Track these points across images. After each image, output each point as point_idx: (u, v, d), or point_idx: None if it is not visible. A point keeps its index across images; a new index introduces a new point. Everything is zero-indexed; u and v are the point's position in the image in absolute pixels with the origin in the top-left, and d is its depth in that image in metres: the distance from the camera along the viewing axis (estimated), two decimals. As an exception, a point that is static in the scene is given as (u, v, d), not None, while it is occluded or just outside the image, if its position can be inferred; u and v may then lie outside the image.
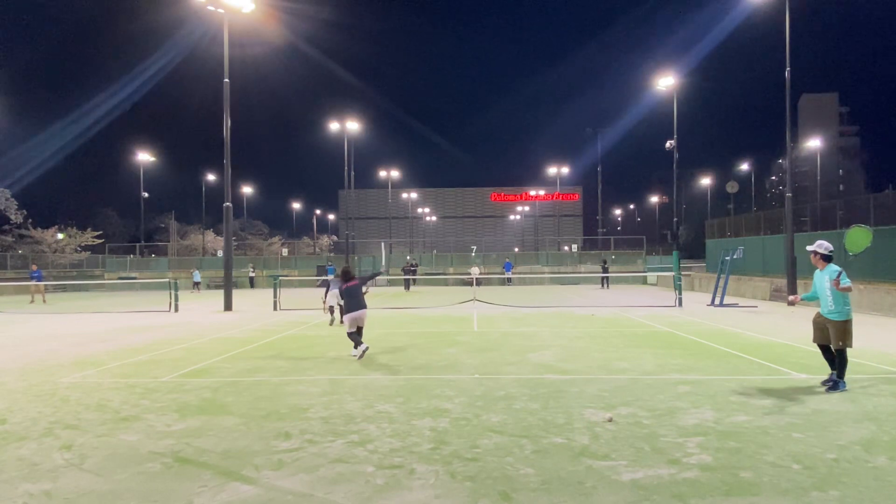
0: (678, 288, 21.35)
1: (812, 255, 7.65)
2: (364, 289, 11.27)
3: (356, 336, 10.41)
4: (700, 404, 6.74)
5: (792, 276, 21.20)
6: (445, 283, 43.96)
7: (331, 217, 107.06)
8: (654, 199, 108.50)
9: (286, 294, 21.39)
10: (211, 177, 64.51)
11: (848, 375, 7.52)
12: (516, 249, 76.26)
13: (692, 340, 12.14)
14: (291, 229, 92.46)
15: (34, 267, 32.39)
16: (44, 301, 28.18)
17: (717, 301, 21.16)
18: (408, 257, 49.08)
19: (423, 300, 25.13)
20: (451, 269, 47.74)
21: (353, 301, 10.54)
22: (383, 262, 15.27)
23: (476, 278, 32.02)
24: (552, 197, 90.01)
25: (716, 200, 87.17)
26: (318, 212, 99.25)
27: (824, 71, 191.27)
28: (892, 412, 6.36)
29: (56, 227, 52.08)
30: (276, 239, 76.06)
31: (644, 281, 41.32)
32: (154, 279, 40.40)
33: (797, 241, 22.27)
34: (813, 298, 7.74)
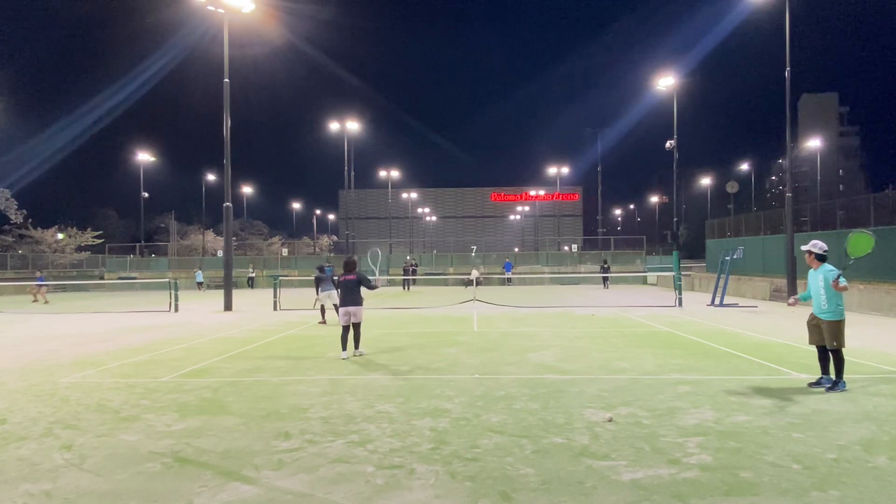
0: (678, 288, 21.35)
1: (807, 255, 7.65)
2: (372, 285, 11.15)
3: (345, 335, 10.39)
4: (700, 404, 6.74)
5: (792, 276, 21.20)
6: (445, 283, 43.94)
7: (331, 217, 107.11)
8: (654, 199, 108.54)
9: (286, 294, 21.39)
10: (211, 177, 64.53)
11: (848, 375, 7.52)
12: (516, 249, 76.28)
13: (692, 340, 12.14)
14: (291, 229, 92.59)
15: (38, 274, 32.86)
16: (45, 301, 28.28)
17: (717, 301, 21.16)
18: (408, 257, 49.08)
19: (423, 300, 25.13)
20: (451, 269, 47.73)
21: (347, 296, 10.41)
22: (376, 273, 15.05)
23: (476, 279, 31.61)
24: (552, 197, 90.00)
25: (716, 200, 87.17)
26: (318, 212, 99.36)
27: (824, 71, 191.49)
28: (892, 412, 6.36)
29: (56, 227, 52.09)
30: (276, 239, 76.13)
31: (644, 281, 41.32)
32: (154, 279, 40.39)
33: (797, 241, 22.25)
34: (809, 298, 7.75)
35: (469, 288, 35.72)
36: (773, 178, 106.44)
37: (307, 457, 5.11)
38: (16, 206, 47.86)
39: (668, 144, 35.83)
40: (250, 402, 7.16)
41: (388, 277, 41.44)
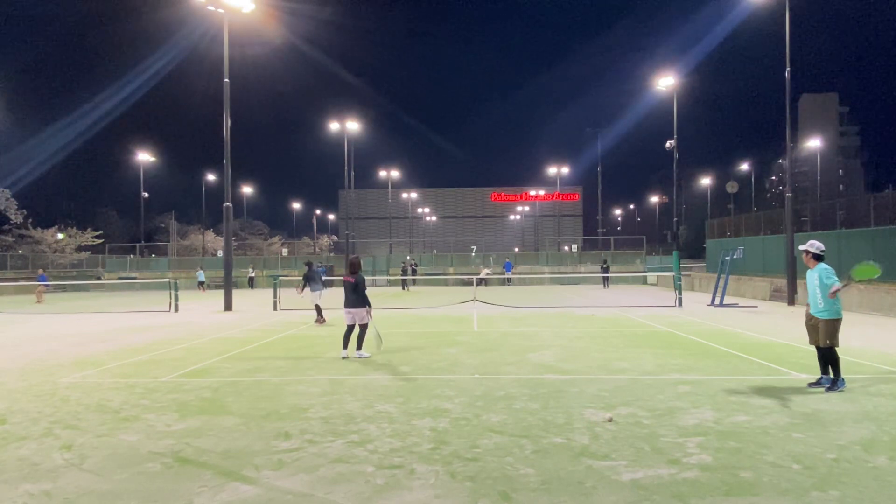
0: (678, 288, 21.35)
1: (804, 255, 7.68)
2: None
3: (348, 334, 10.39)
4: (700, 404, 6.74)
5: (792, 276, 21.20)
6: (445, 283, 43.96)
7: (331, 217, 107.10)
8: (654, 199, 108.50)
9: (286, 294, 21.38)
10: (211, 177, 64.52)
11: (848, 375, 7.52)
12: (516, 249, 76.27)
13: (692, 340, 12.14)
14: (291, 229, 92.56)
15: (40, 272, 33.04)
16: (38, 301, 28.40)
17: (717, 301, 21.16)
18: (407, 257, 49.09)
19: (422, 300, 25.13)
20: (451, 269, 47.74)
21: (347, 297, 10.37)
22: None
23: (485, 279, 32.09)
24: (552, 197, 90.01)
25: (716, 200, 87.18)
26: (318, 212, 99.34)
27: (824, 71, 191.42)
28: (892, 412, 6.36)
29: (56, 227, 52.08)
30: (276, 239, 76.10)
31: (644, 281, 41.33)
32: (154, 279, 40.40)
33: (797, 242, 22.24)
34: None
35: (480, 287, 35.93)
36: (773, 178, 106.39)
37: (307, 457, 5.11)
38: (16, 206, 47.87)
39: (668, 144, 35.82)
40: (250, 402, 7.16)
41: (389, 277, 41.44)
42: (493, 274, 42.56)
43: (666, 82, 35.53)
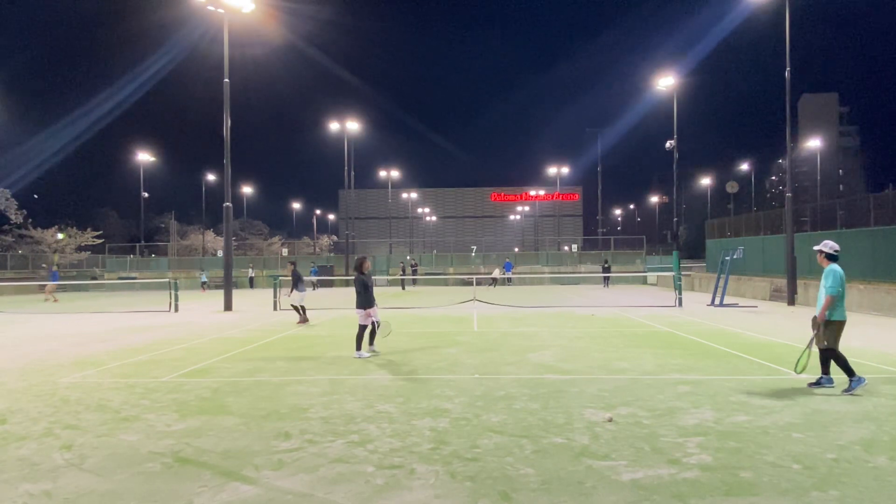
0: (678, 288, 21.35)
1: (818, 254, 7.57)
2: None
3: (361, 336, 10.39)
4: (700, 404, 6.74)
5: (792, 276, 21.20)
6: (445, 283, 43.96)
7: (331, 217, 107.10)
8: (654, 199, 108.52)
9: (286, 294, 21.34)
10: (211, 177, 64.54)
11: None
12: (516, 249, 76.28)
13: (692, 340, 12.14)
14: (291, 229, 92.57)
15: (54, 268, 33.27)
16: (46, 299, 28.52)
17: (717, 301, 21.16)
18: (407, 257, 49.09)
19: (422, 300, 25.12)
20: (451, 269, 47.74)
21: (357, 296, 10.45)
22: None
23: (497, 279, 32.43)
24: (552, 197, 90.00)
25: (716, 200, 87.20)
26: (318, 212, 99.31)
27: (824, 71, 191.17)
28: (892, 412, 6.36)
29: (56, 227, 52.08)
30: (276, 239, 76.03)
31: (644, 281, 41.34)
32: (154, 279, 40.40)
33: (797, 241, 22.25)
34: None
35: (490, 287, 36.05)
36: (773, 178, 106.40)
37: (307, 457, 5.11)
38: (16, 206, 47.86)
39: (668, 144, 35.81)
40: (250, 402, 7.16)
41: (389, 277, 41.43)
42: (489, 274, 42.61)
43: (666, 82, 35.52)
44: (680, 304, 20.56)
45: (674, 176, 37.77)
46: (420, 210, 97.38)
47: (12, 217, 47.85)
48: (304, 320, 16.02)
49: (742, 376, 8.35)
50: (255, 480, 4.60)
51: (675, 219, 42.71)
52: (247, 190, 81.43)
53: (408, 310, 20.45)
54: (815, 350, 7.47)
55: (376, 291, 11.04)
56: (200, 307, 23.53)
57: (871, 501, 4.09)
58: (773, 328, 14.15)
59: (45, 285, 38.31)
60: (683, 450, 5.16)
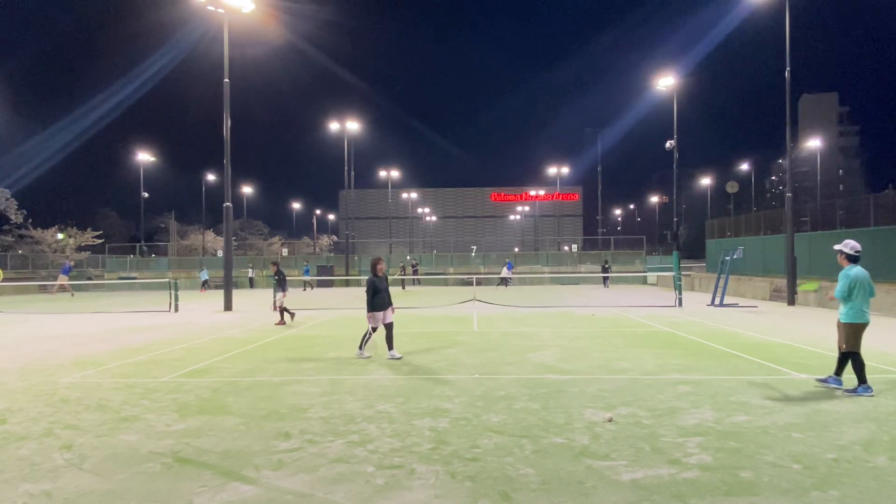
0: (678, 288, 21.35)
1: (838, 255, 7.39)
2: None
3: (367, 337, 10.26)
4: (700, 404, 6.74)
5: (792, 276, 21.20)
6: (445, 283, 43.96)
7: (331, 217, 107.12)
8: (654, 199, 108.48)
9: (293, 294, 21.34)
10: (211, 177, 64.52)
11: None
12: (516, 249, 76.28)
13: (692, 340, 12.14)
14: (291, 229, 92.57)
15: (70, 262, 33.56)
16: (53, 295, 28.87)
17: (717, 301, 21.15)
18: (408, 257, 49.07)
19: (422, 300, 25.13)
20: (451, 269, 47.74)
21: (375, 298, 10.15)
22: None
23: (506, 278, 32.77)
24: (552, 197, 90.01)
25: (716, 200, 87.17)
26: (318, 212, 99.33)
27: (824, 71, 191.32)
28: (892, 412, 6.36)
29: (56, 227, 52.08)
30: (276, 239, 76.01)
31: (644, 281, 41.34)
32: (154, 279, 40.40)
33: (797, 241, 22.26)
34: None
35: (500, 287, 36.12)
36: (773, 178, 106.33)
37: (307, 457, 5.11)
38: (16, 206, 47.84)
39: (668, 144, 35.81)
40: (250, 402, 7.16)
41: (389, 277, 41.40)
42: (490, 274, 42.60)
43: (666, 82, 35.52)
44: (680, 304, 20.56)
45: (674, 176, 37.77)
46: (420, 210, 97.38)
47: (12, 217, 47.83)
48: (282, 322, 15.89)
49: (742, 376, 8.35)
50: (255, 480, 4.60)
51: (675, 219, 42.70)
52: (247, 190, 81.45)
53: (408, 310, 20.44)
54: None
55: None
56: (200, 307, 23.52)
57: (871, 501, 4.09)
58: (773, 328, 14.15)
59: (45, 285, 38.37)
60: (683, 450, 5.16)
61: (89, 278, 45.73)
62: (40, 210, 58.98)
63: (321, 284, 40.40)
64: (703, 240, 39.21)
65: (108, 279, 45.30)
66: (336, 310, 21.38)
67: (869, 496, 4.17)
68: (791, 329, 13.87)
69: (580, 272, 45.32)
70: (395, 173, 70.94)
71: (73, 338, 13.80)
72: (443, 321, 16.72)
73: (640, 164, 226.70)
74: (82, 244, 52.03)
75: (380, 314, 10.14)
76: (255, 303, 25.05)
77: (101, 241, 53.43)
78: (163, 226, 76.71)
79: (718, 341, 11.88)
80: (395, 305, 10.61)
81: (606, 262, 41.11)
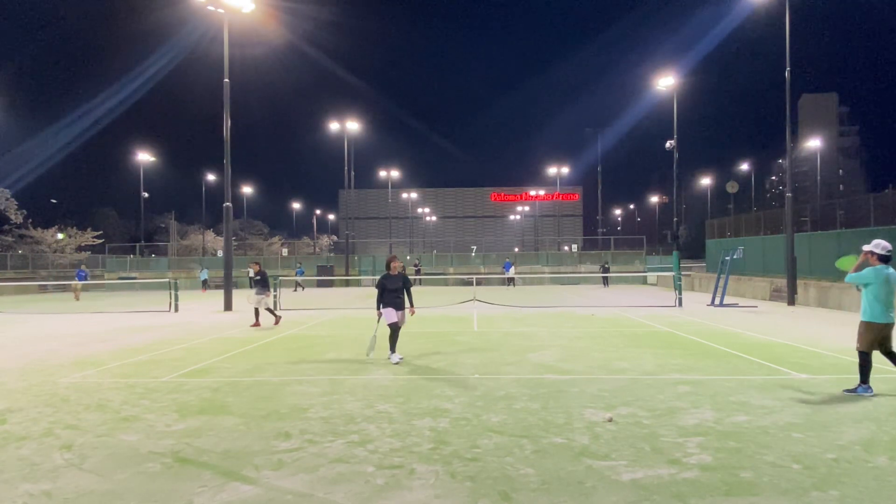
0: (678, 288, 21.35)
1: (869, 255, 7.21)
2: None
3: (392, 337, 9.85)
4: (700, 404, 6.73)
5: (792, 276, 21.20)
6: (445, 283, 43.96)
7: (331, 217, 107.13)
8: (654, 199, 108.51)
9: (286, 294, 21.37)
10: (211, 177, 64.53)
11: (848, 375, 7.51)
12: (516, 249, 76.26)
13: (692, 340, 12.14)
14: (291, 229, 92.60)
15: (83, 267, 33.70)
16: (78, 299, 29.26)
17: (717, 301, 21.15)
18: (408, 257, 49.06)
19: (422, 300, 25.13)
20: (451, 269, 47.74)
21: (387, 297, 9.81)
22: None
23: (513, 278, 32.82)
24: (552, 197, 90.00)
25: (716, 200, 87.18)
26: (318, 212, 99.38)
27: (824, 71, 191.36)
28: (892, 412, 6.36)
29: (56, 227, 52.08)
30: (276, 239, 76.08)
31: (644, 281, 41.35)
32: (154, 279, 40.40)
33: (797, 241, 22.25)
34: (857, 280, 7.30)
35: (509, 287, 36.17)
36: (773, 178, 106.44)
37: (307, 457, 5.11)
38: (16, 206, 47.86)
39: (668, 144, 35.78)
40: (250, 402, 7.16)
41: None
42: (490, 274, 42.63)
43: (666, 82, 35.51)
44: (680, 304, 20.55)
45: (674, 176, 37.75)
46: (420, 210, 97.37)
47: (12, 217, 47.84)
48: (257, 324, 15.73)
49: (742, 376, 8.35)
50: (255, 480, 4.60)
51: (675, 219, 42.68)
52: (247, 190, 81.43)
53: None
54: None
55: (375, 291, 10.52)
56: (200, 307, 23.52)
57: (871, 501, 4.09)
58: (773, 328, 14.15)
59: (45, 285, 38.38)
60: (683, 450, 5.16)
61: (86, 278, 45.80)
62: (40, 210, 59.05)
63: (321, 284, 40.39)
64: (703, 240, 39.20)
65: (108, 279, 45.31)
66: (336, 310, 21.38)
67: (869, 496, 4.17)
68: (791, 329, 13.87)
69: (580, 272, 45.33)
70: (395, 173, 70.95)
71: (73, 338, 13.80)
72: (443, 321, 16.72)
73: (640, 164, 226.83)
74: (82, 244, 52.05)
75: (387, 312, 9.75)
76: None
77: (100, 241, 53.45)
78: (163, 226, 76.77)
79: (718, 341, 11.88)
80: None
81: (606, 263, 41.18)
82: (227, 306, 21.52)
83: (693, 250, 67.90)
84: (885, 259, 7.13)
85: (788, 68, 21.88)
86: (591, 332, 13.53)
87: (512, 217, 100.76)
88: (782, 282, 22.31)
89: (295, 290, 36.82)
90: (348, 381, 8.27)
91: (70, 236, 51.74)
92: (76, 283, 31.21)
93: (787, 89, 22.04)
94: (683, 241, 77.18)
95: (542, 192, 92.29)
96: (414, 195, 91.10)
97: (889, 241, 7.23)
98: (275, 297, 21.25)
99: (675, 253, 31.30)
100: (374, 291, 10.07)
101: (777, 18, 23.99)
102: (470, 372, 8.83)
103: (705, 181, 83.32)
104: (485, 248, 62.94)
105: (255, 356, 10.74)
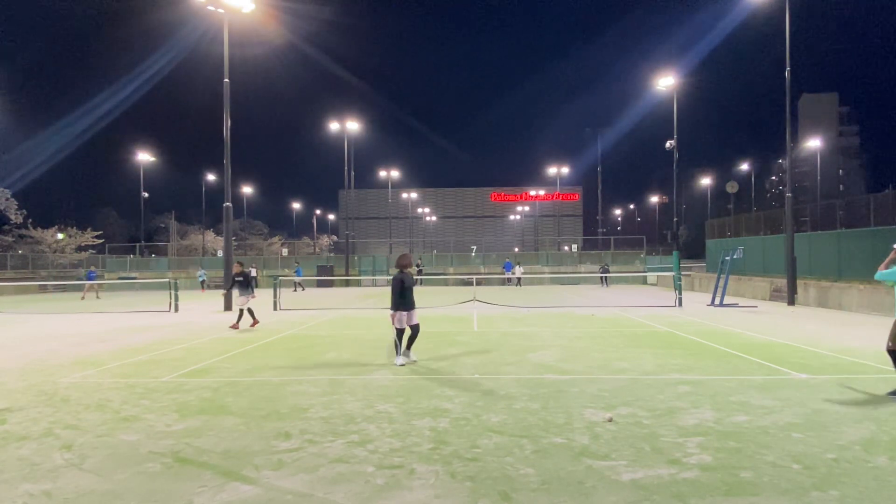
0: (678, 288, 21.35)
1: None
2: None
3: (398, 340, 9.56)
4: (700, 404, 6.73)
5: (792, 276, 21.20)
6: (445, 283, 43.96)
7: (331, 217, 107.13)
8: (654, 199, 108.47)
9: (286, 294, 21.37)
10: (211, 177, 64.55)
11: (848, 375, 7.50)
12: (516, 249, 76.28)
13: (692, 340, 12.14)
14: (291, 229, 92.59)
15: (92, 268, 33.97)
16: (97, 297, 29.67)
17: (717, 301, 21.16)
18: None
19: (422, 300, 25.09)
20: (451, 269, 47.74)
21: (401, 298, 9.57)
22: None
23: (520, 278, 33.00)
24: (552, 197, 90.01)
25: (716, 200, 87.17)
26: (318, 212, 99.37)
27: (824, 71, 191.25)
28: (892, 412, 6.36)
29: (56, 227, 52.08)
30: (276, 239, 76.03)
31: (644, 281, 41.35)
32: (154, 279, 40.40)
33: (797, 241, 22.24)
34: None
35: (514, 286, 36.20)
36: (773, 178, 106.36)
37: (307, 457, 5.11)
38: (16, 206, 47.83)
39: (668, 144, 35.80)
40: (250, 402, 7.16)
41: (388, 277, 41.42)
42: (490, 274, 42.65)
43: (666, 82, 35.53)
44: (680, 304, 20.56)
45: (674, 176, 37.77)
46: (420, 210, 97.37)
47: (12, 217, 47.83)
48: (236, 325, 15.67)
49: (742, 376, 8.35)
50: (255, 480, 4.60)
51: (675, 219, 42.74)
52: (247, 190, 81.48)
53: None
54: None
55: (375, 291, 10.58)
56: (200, 307, 23.52)
57: (871, 501, 4.09)
58: (773, 328, 14.15)
59: (45, 285, 38.38)
60: (683, 450, 5.16)
61: (80, 279, 45.82)
62: (40, 210, 59.04)
63: (321, 284, 40.40)
64: (703, 240, 39.21)
65: (108, 279, 45.31)
66: (336, 310, 21.39)
67: (869, 496, 4.17)
68: (791, 329, 13.87)
69: (580, 272, 45.33)
70: (394, 173, 70.99)
71: (73, 338, 13.80)
72: (443, 321, 16.73)
73: (640, 164, 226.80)
74: (82, 244, 52.05)
75: (405, 314, 9.46)
76: (255, 303, 25.00)
77: (100, 241, 53.45)
78: (163, 226, 76.78)
79: (718, 341, 11.88)
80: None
81: (606, 265, 41.24)
82: (227, 306, 21.49)
83: (693, 250, 67.93)
84: None
85: (788, 68, 21.88)
86: (591, 332, 13.53)
87: (512, 217, 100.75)
88: (782, 282, 22.31)
89: (295, 291, 36.82)
90: (348, 381, 8.27)
91: (70, 236, 51.73)
92: (90, 283, 31.38)
93: (787, 89, 22.04)
94: (683, 241, 77.26)
95: (542, 192, 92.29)
96: (414, 195, 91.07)
97: (888, 242, 7.21)
98: (274, 297, 21.27)
99: (675, 253, 31.29)
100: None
101: (777, 18, 24.01)
102: (470, 372, 8.83)
103: (705, 181, 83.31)
104: (485, 248, 62.92)
105: (255, 356, 10.74)
